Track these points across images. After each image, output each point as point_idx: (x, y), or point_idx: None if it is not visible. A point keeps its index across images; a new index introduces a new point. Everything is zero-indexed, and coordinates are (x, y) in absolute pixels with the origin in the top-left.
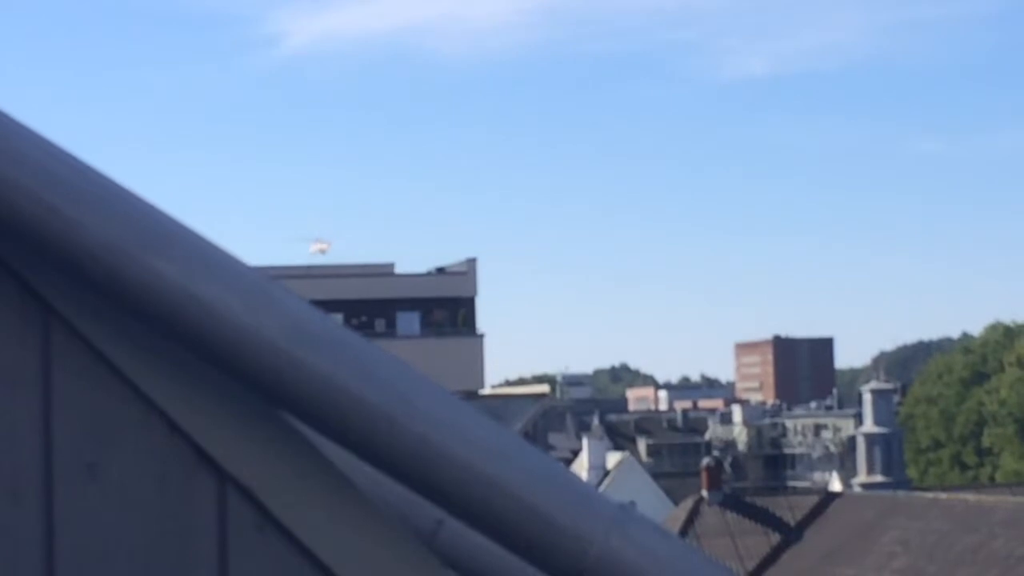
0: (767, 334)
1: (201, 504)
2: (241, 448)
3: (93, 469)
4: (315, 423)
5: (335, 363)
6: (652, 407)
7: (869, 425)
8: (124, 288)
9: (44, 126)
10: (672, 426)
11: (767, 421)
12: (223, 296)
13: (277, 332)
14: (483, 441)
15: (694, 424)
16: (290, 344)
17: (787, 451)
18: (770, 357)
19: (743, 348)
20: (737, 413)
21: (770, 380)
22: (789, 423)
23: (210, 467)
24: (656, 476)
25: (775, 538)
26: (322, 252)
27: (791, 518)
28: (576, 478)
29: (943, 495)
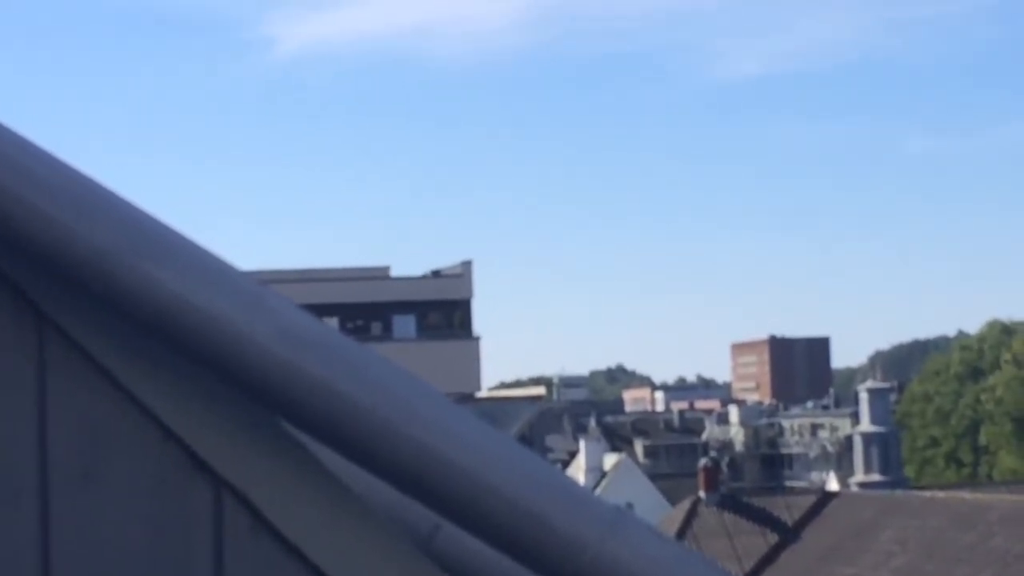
0: (763, 334)
1: (196, 509)
2: (236, 453)
3: (89, 475)
4: (310, 428)
5: (329, 368)
6: (649, 408)
7: (866, 424)
8: (118, 294)
9: (34, 131)
10: (669, 427)
11: (764, 421)
12: (217, 302)
13: (271, 337)
14: (478, 445)
15: (691, 425)
16: (284, 349)
17: (784, 451)
18: (766, 357)
19: (739, 348)
20: (734, 413)
21: (767, 380)
22: (786, 423)
23: (205, 472)
24: (653, 477)
25: (773, 538)
26: None
27: (789, 518)
28: (571, 481)
29: (940, 493)
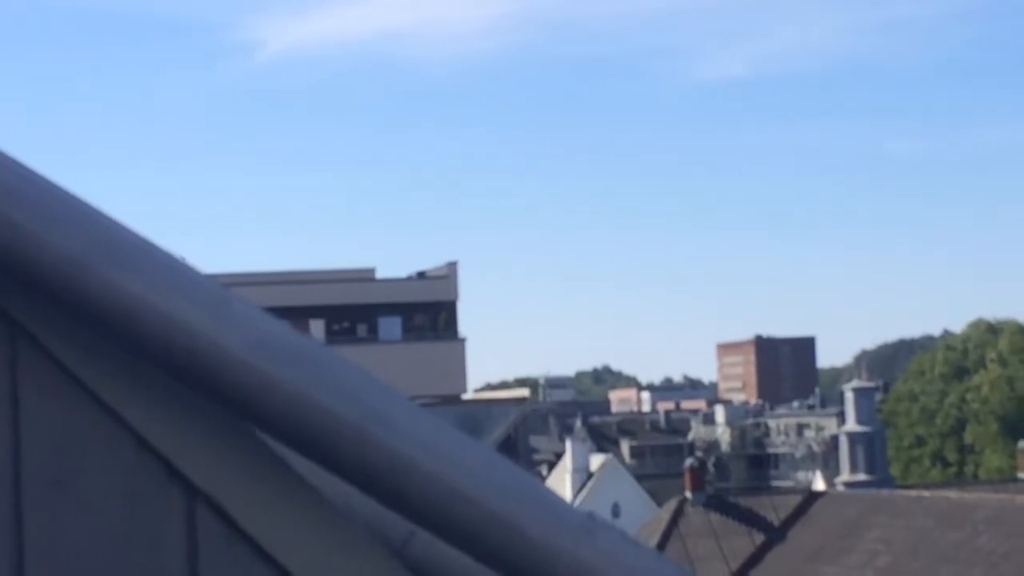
0: (749, 334)
1: (170, 519)
2: (210, 463)
3: (61, 486)
4: (284, 437)
5: (302, 376)
6: (635, 408)
7: (851, 424)
8: (89, 303)
9: (9, 137)
10: (655, 427)
11: (750, 421)
12: (189, 311)
13: (244, 346)
14: (452, 453)
15: (677, 425)
16: (257, 358)
17: (770, 451)
18: (752, 357)
19: (725, 348)
20: (720, 413)
21: (752, 380)
22: (772, 423)
23: (179, 482)
24: (640, 478)
25: (759, 538)
26: None
27: (775, 518)
28: (545, 489)
29: (926, 493)
